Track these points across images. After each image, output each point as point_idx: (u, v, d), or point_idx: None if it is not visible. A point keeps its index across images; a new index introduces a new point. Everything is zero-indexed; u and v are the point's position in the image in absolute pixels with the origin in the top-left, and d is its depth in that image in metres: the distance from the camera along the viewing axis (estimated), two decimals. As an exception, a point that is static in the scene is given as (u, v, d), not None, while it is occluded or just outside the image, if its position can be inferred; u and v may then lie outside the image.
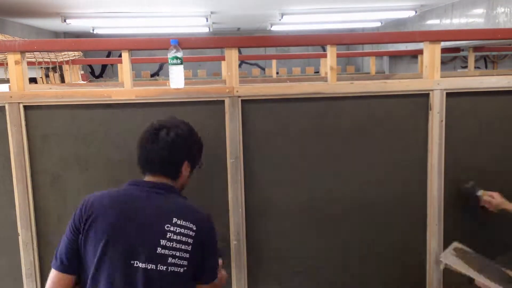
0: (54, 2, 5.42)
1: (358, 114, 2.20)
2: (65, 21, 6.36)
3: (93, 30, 7.24)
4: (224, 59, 2.46)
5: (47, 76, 4.39)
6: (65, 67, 4.42)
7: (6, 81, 3.39)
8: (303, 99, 2.16)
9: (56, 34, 8.90)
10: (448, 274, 2.17)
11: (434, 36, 2.20)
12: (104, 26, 7.25)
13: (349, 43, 2.40)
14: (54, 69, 4.38)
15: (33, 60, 3.71)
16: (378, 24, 8.15)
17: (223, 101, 2.11)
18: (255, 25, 8.76)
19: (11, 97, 2.04)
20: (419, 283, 2.31)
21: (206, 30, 7.80)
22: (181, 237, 1.53)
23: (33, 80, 4.02)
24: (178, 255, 1.51)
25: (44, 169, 2.10)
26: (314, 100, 2.16)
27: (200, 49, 5.17)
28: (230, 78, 2.11)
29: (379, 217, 2.27)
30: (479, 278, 1.86)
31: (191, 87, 2.15)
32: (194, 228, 1.56)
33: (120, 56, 2.40)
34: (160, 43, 2.10)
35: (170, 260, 1.50)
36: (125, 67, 2.10)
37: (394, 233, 2.28)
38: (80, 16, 6.32)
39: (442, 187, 2.24)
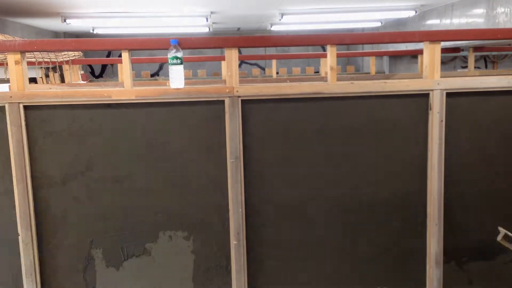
0: (54, 2, 5.41)
1: (358, 114, 2.20)
2: (65, 21, 6.36)
3: (93, 30, 7.24)
4: (224, 59, 2.46)
5: (47, 76, 4.39)
6: (65, 67, 4.42)
7: (6, 81, 3.39)
8: (303, 99, 2.16)
9: (56, 34, 8.90)
10: (450, 273, 2.17)
11: (434, 36, 2.20)
12: (104, 26, 7.24)
13: (349, 43, 2.40)
14: (54, 69, 4.38)
15: (33, 60, 3.70)
16: (378, 24, 8.15)
17: (223, 101, 2.11)
18: (255, 25, 8.76)
19: (11, 97, 2.04)
20: (419, 283, 2.31)
21: (206, 30, 7.79)
22: None
23: (33, 80, 4.02)
24: None
25: (44, 169, 2.10)
26: (314, 100, 2.16)
27: (200, 49, 5.17)
28: (230, 78, 2.11)
29: (379, 217, 2.27)
30: None
31: (191, 87, 2.15)
32: None
33: (120, 56, 2.40)
34: (160, 43, 2.10)
35: None
36: (125, 67, 2.10)
37: (394, 233, 2.28)
38: (80, 16, 6.31)
39: (442, 187, 2.24)
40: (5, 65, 3.27)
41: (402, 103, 2.22)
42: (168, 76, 2.09)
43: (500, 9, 5.04)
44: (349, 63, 9.95)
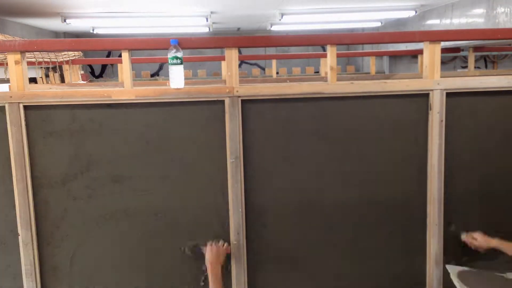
0: (54, 2, 5.41)
1: (358, 114, 2.20)
2: (65, 21, 6.35)
3: (93, 30, 7.24)
4: (224, 59, 2.46)
5: (47, 76, 4.39)
6: (65, 67, 4.42)
7: (6, 81, 3.39)
8: (303, 99, 2.16)
9: (56, 34, 8.90)
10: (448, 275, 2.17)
11: (434, 36, 2.20)
12: (104, 26, 7.24)
13: (349, 43, 2.40)
14: (54, 69, 4.38)
15: (33, 60, 3.71)
16: (378, 24, 8.15)
17: (223, 101, 2.11)
18: (255, 25, 8.76)
19: (11, 97, 2.04)
20: (419, 283, 2.31)
21: (206, 30, 7.79)
22: None
23: (33, 80, 4.02)
24: None
25: (44, 169, 2.10)
26: (314, 100, 2.16)
27: (200, 49, 5.17)
28: (230, 78, 2.11)
29: (378, 217, 2.27)
30: None
31: (191, 87, 2.15)
32: None
33: (120, 56, 2.40)
34: (160, 43, 2.10)
35: None
36: (125, 67, 2.09)
37: (393, 233, 2.28)
38: (80, 16, 6.31)
39: (442, 187, 2.24)
40: (5, 65, 3.27)
41: (402, 103, 2.22)
42: (168, 76, 2.09)
43: (500, 9, 5.04)
44: (349, 63, 9.95)
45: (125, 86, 2.10)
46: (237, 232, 2.17)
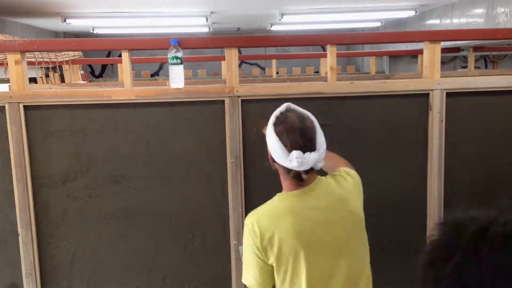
0: (54, 2, 5.41)
1: (358, 114, 2.20)
2: (65, 21, 6.36)
3: (93, 30, 7.24)
4: (224, 59, 2.46)
5: (47, 76, 4.40)
6: (65, 67, 4.42)
7: (6, 81, 3.39)
8: (303, 99, 2.16)
9: (56, 34, 8.90)
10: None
11: (434, 36, 2.20)
12: (104, 26, 7.25)
13: (349, 43, 2.40)
14: (54, 69, 4.39)
15: (33, 60, 3.71)
16: (378, 24, 8.15)
17: (223, 101, 2.11)
18: (255, 25, 8.76)
19: (11, 97, 2.04)
20: (419, 282, 2.31)
21: (206, 30, 7.79)
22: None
23: (33, 80, 4.02)
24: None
25: (44, 169, 2.10)
26: (314, 100, 2.16)
27: (200, 49, 5.17)
28: (230, 78, 2.11)
29: (378, 217, 2.26)
30: None
31: (191, 87, 2.15)
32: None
33: (120, 56, 2.40)
34: (160, 43, 2.10)
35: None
36: (125, 67, 2.10)
37: (393, 233, 2.27)
38: (80, 16, 6.31)
39: (442, 187, 2.24)
40: (5, 65, 3.27)
41: (402, 103, 2.22)
42: (168, 76, 2.09)
43: (500, 9, 5.04)
44: (349, 63, 9.95)
45: (125, 86, 2.10)
46: (237, 232, 2.17)
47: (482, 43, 5.32)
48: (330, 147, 2.21)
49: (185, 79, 2.12)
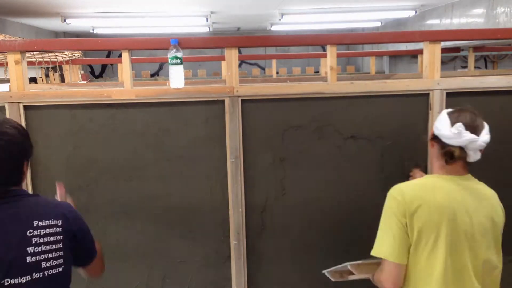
0: (54, 2, 5.41)
1: (358, 114, 2.20)
2: (65, 21, 6.36)
3: (93, 30, 7.24)
4: (224, 59, 2.46)
5: (47, 76, 4.40)
6: (65, 67, 4.42)
7: (6, 81, 3.39)
8: (303, 99, 2.16)
9: (56, 34, 8.91)
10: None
11: (434, 36, 2.20)
12: (104, 26, 7.25)
13: (349, 43, 2.40)
14: (54, 69, 4.39)
15: (33, 60, 3.71)
16: (378, 24, 8.15)
17: (223, 101, 2.11)
18: (255, 25, 8.77)
19: (11, 97, 2.04)
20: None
21: (206, 30, 7.80)
22: (49, 237, 1.43)
23: (33, 80, 4.02)
24: (51, 256, 1.42)
25: (44, 169, 2.10)
26: (314, 100, 2.16)
27: (200, 49, 5.17)
28: (230, 78, 2.11)
29: (378, 217, 2.26)
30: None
31: (191, 87, 2.15)
32: (60, 223, 1.46)
33: (120, 56, 2.40)
34: (160, 43, 2.10)
35: (44, 264, 1.41)
36: (125, 67, 2.10)
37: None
38: (80, 16, 6.32)
39: (442, 187, 2.23)
40: (5, 65, 3.27)
41: (402, 103, 2.21)
42: (168, 76, 2.09)
43: (500, 9, 5.04)
44: (349, 63, 9.96)
45: (125, 86, 2.10)
46: (237, 232, 2.17)
47: (482, 43, 5.32)
48: (329, 147, 2.22)
49: (185, 79, 2.12)
